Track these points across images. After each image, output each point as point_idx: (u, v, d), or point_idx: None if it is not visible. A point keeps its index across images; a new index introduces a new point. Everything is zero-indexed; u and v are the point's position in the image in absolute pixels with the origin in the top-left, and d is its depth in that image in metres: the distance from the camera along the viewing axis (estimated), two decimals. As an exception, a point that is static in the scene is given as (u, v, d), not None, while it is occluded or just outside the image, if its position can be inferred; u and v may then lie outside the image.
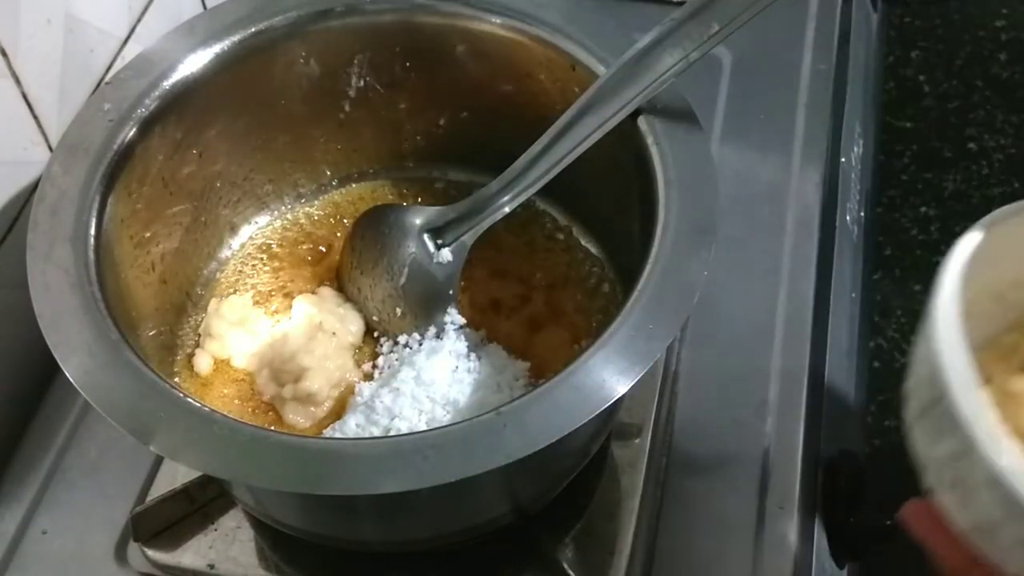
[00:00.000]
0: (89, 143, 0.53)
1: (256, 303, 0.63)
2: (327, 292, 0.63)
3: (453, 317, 0.59)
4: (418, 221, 0.60)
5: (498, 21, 0.59)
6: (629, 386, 0.44)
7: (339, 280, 0.63)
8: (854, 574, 0.69)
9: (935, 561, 0.40)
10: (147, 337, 0.55)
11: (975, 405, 0.35)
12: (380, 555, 0.57)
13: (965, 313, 0.37)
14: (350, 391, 0.58)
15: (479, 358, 0.58)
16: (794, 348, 0.64)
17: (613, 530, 0.56)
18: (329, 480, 0.42)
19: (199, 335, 0.61)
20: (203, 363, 0.60)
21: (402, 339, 0.59)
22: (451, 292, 0.59)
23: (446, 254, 0.59)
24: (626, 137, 0.54)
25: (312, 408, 0.57)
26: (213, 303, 0.62)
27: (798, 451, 0.60)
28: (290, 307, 0.62)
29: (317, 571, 0.57)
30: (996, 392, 0.39)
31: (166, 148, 0.57)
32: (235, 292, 0.63)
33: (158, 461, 0.60)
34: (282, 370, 0.58)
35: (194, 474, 0.56)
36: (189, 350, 0.61)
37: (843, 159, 0.79)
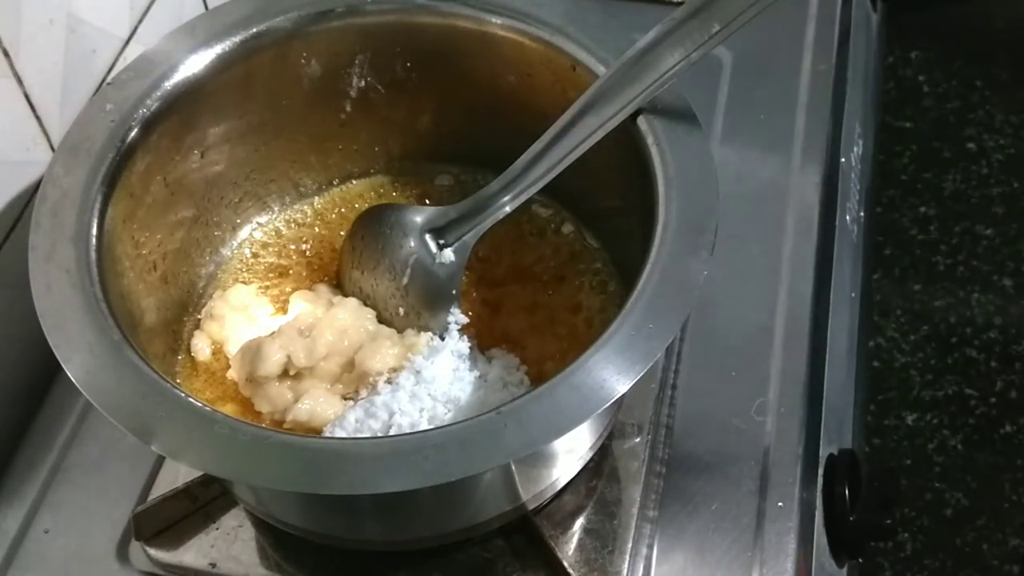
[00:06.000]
0: (91, 143, 0.53)
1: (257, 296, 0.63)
2: (323, 289, 0.63)
3: (455, 316, 0.59)
4: (419, 221, 0.60)
5: (498, 21, 0.59)
6: (629, 386, 0.44)
7: (339, 279, 0.63)
8: (854, 573, 0.69)
9: None
10: (148, 337, 0.55)
11: None
12: (381, 553, 0.57)
13: None
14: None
15: (481, 357, 0.58)
16: (794, 348, 0.64)
17: (613, 530, 0.56)
18: (330, 480, 0.42)
19: (200, 318, 0.61)
20: (201, 345, 0.60)
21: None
22: (453, 292, 0.59)
23: (448, 254, 0.59)
24: (626, 137, 0.54)
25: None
26: (218, 293, 0.62)
27: (798, 451, 0.60)
28: (287, 303, 0.62)
29: (318, 570, 0.57)
30: None
31: (168, 149, 0.57)
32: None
33: (160, 460, 0.60)
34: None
35: (196, 473, 0.56)
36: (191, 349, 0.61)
37: (843, 159, 0.79)
